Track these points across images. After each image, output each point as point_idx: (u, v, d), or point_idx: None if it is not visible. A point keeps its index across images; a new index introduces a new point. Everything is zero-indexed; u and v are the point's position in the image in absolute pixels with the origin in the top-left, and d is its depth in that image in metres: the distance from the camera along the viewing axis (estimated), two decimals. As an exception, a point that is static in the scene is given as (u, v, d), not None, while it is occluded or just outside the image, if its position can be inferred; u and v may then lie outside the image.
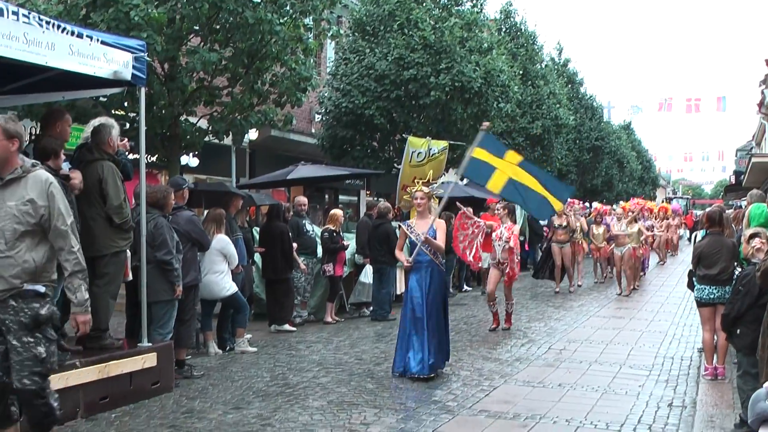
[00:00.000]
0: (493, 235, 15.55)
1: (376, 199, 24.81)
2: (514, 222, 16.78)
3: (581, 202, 28.71)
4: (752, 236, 8.52)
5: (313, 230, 16.85)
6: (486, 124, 12.53)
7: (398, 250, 12.10)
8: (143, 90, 10.48)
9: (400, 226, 12.88)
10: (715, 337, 10.98)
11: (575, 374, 11.60)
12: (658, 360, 12.79)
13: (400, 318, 11.91)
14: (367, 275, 17.60)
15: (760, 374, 7.51)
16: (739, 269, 9.73)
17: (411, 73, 23.13)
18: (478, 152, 11.63)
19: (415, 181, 12.04)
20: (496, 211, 16.38)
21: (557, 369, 12.01)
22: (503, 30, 35.38)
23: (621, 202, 31.06)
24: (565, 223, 23.20)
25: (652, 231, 28.11)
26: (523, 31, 36.36)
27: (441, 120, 24.12)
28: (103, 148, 9.99)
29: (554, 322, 16.97)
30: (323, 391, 10.32)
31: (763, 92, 40.77)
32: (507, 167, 11.65)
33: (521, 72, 31.76)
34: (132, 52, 9.78)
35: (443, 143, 21.50)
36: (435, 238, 11.40)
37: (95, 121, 10.40)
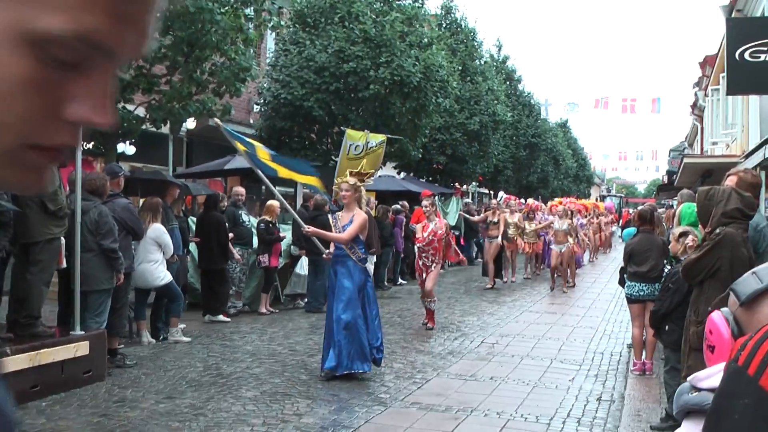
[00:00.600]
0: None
1: (312, 191, 24.76)
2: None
3: (517, 198, 28.84)
4: (682, 234, 8.69)
5: (249, 221, 16.82)
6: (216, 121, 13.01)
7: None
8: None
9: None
10: (644, 333, 11.17)
11: (507, 368, 11.73)
12: (588, 355, 12.99)
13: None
14: (303, 267, 17.62)
15: (682, 368, 7.69)
16: (669, 267, 9.91)
17: (351, 66, 23.14)
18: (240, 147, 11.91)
19: (348, 172, 12.18)
20: (424, 209, 16.33)
21: (489, 363, 12.14)
22: (443, 25, 35.43)
23: (556, 200, 31.30)
24: (497, 219, 23.28)
25: (584, 230, 28.41)
26: (463, 27, 36.44)
27: (379, 114, 24.15)
28: (38, 134, 9.89)
29: (487, 317, 17.12)
30: (256, 382, 10.34)
31: (696, 94, 41.43)
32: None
33: (460, 68, 31.87)
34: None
35: (381, 137, 21.53)
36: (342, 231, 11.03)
37: None
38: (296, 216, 12.40)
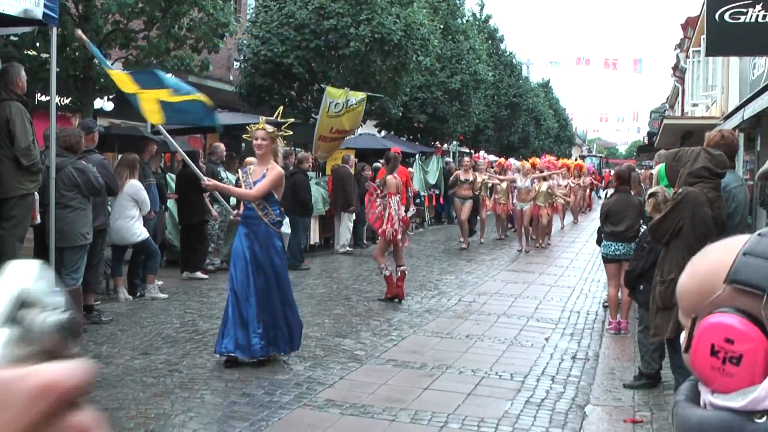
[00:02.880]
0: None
1: (292, 148, 24.65)
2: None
3: (485, 157, 28.75)
4: (652, 195, 8.69)
5: (227, 177, 16.75)
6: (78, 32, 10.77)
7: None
8: (55, 30, 10.26)
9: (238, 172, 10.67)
10: (620, 293, 11.22)
11: (483, 326, 11.78)
12: (564, 314, 13.05)
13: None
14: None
15: (650, 326, 7.76)
16: (645, 227, 9.94)
17: (331, 23, 22.97)
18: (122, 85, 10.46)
19: (262, 119, 9.91)
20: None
21: (466, 321, 12.19)
22: (425, -17, 35.28)
23: (531, 159, 31.20)
24: (471, 178, 23.08)
25: (568, 190, 28.20)
26: (445, -15, 36.30)
27: (360, 71, 24.03)
28: (11, 88, 9.80)
29: (465, 275, 17.17)
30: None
31: (678, 56, 41.38)
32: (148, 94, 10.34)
33: (442, 26, 31.77)
34: (43, -9, 9.59)
35: (361, 95, 21.52)
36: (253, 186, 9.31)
37: None
38: (194, 168, 10.54)
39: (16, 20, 9.57)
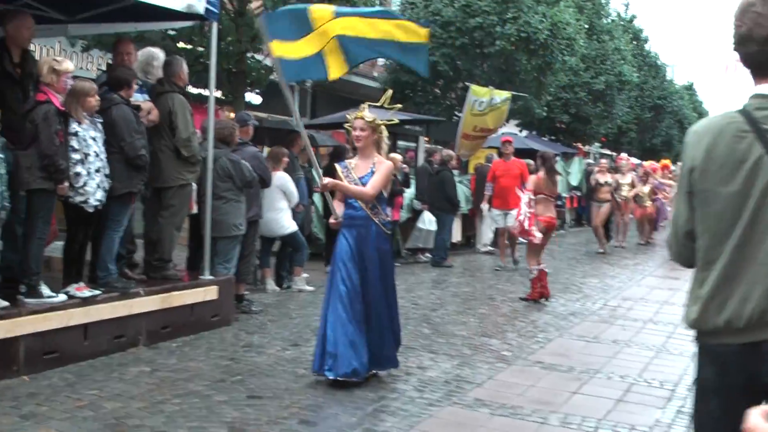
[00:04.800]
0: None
1: (435, 145, 24.69)
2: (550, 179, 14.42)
3: (628, 158, 27.99)
4: None
5: (372, 173, 16.87)
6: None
7: (336, 200, 8.55)
8: (215, 24, 10.49)
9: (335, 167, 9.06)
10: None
11: (630, 332, 11.56)
12: (714, 321, 12.69)
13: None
14: (425, 221, 17.63)
15: None
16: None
17: (477, 21, 22.91)
18: (277, 48, 8.68)
19: (366, 104, 8.48)
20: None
21: (612, 326, 11.98)
22: (570, -18, 34.93)
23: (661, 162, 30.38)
24: (610, 180, 22.51)
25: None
26: (590, -16, 35.88)
27: (505, 70, 23.94)
28: (173, 80, 10.09)
29: (609, 279, 16.92)
30: (380, 334, 10.39)
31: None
32: (318, 32, 8.69)
33: (587, 26, 31.38)
34: (206, -14, 9.81)
35: (506, 94, 21.44)
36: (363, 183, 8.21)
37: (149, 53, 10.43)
38: (316, 165, 9.86)
39: (177, 15, 9.80)
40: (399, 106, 8.75)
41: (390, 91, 8.83)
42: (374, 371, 8.30)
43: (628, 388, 8.58)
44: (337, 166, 8.66)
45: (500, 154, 19.01)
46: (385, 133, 8.37)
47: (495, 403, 7.67)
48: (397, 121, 8.67)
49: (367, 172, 8.15)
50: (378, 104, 8.36)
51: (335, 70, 8.73)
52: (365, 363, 7.98)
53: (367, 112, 8.23)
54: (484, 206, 18.60)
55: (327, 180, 8.24)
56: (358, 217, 8.16)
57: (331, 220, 8.42)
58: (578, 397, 8.18)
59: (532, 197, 13.39)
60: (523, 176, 17.32)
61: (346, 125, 8.59)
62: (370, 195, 8.06)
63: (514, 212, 16.02)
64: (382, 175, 8.11)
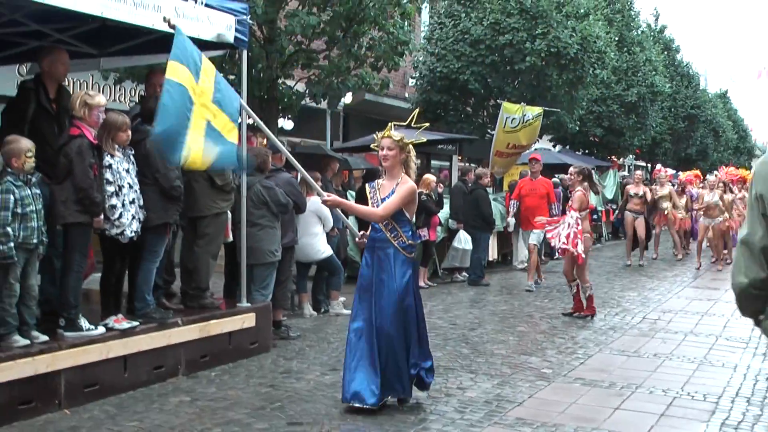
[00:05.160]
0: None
1: (468, 164, 24.67)
2: (593, 190, 14.75)
3: (666, 170, 27.73)
4: None
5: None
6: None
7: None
8: (245, 52, 10.56)
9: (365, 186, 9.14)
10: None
11: (670, 344, 11.48)
12: (755, 332, 12.51)
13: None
14: (460, 240, 17.60)
15: None
16: None
17: (506, 38, 22.93)
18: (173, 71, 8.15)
19: (392, 124, 8.18)
20: (569, 177, 14.80)
21: (652, 339, 11.90)
22: (599, -5, 34.90)
23: (715, 172, 30.19)
24: (641, 192, 22.22)
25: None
26: (619, -4, 35.86)
27: (536, 86, 23.91)
28: (205, 110, 10.13)
29: (648, 292, 16.81)
30: (418, 355, 10.36)
31: None
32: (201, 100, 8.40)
33: (617, 38, 31.28)
34: (235, 15, 9.91)
35: (538, 109, 21.42)
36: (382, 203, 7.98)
37: None
38: (314, 183, 9.45)
39: (208, 44, 9.87)
40: (426, 125, 8.60)
41: (417, 110, 8.65)
42: (388, 396, 8.01)
43: (671, 402, 8.51)
44: (367, 186, 8.53)
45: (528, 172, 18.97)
46: (413, 153, 8.14)
47: (536, 422, 7.63)
48: (424, 140, 8.51)
49: (390, 192, 7.92)
50: (404, 124, 8.22)
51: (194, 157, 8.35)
52: (373, 389, 7.71)
53: (394, 132, 8.01)
54: (511, 220, 19.01)
55: (330, 197, 8.20)
56: (378, 240, 7.95)
57: (356, 239, 8.39)
58: (620, 413, 8.13)
59: (579, 215, 13.32)
60: (549, 196, 17.83)
61: (373, 145, 8.45)
62: (379, 216, 7.83)
63: (538, 232, 16.67)
64: (398, 197, 7.81)
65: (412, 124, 8.20)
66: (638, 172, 24.96)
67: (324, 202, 8.35)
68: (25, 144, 7.65)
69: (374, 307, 7.84)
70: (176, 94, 8.08)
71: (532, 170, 18.26)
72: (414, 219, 8.15)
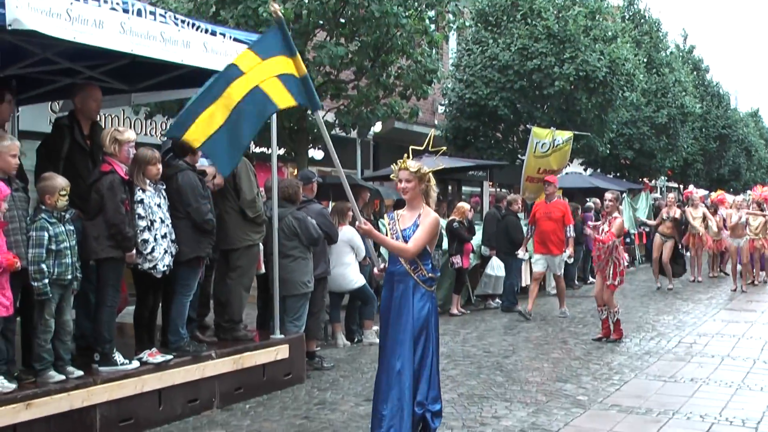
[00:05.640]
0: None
1: (499, 190, 24.64)
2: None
3: (697, 191, 27.47)
4: None
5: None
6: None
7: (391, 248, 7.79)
8: (274, 85, 10.60)
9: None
10: None
11: (707, 369, 11.36)
12: (793, 354, 12.45)
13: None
14: (493, 267, 17.57)
15: None
16: None
17: (535, 63, 22.94)
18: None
19: (410, 150, 8.02)
20: (606, 205, 13.92)
21: (688, 363, 11.78)
22: (627, 17, 34.86)
23: (749, 192, 29.91)
24: (673, 215, 21.93)
25: None
26: (647, 18, 35.81)
27: (565, 110, 23.89)
28: (236, 144, 10.19)
29: (683, 315, 16.66)
30: (453, 384, 10.34)
31: None
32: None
33: (646, 60, 31.19)
34: (263, 49, 9.94)
35: (568, 133, 21.38)
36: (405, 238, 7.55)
37: None
38: (355, 207, 8.36)
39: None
40: (443, 149, 8.40)
41: (432, 131, 8.28)
42: None
43: (709, 429, 8.45)
44: (386, 216, 8.13)
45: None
46: (433, 182, 7.77)
47: (573, 451, 7.59)
48: (442, 166, 8.13)
49: (411, 224, 7.53)
50: (421, 148, 8.04)
51: (282, 100, 7.72)
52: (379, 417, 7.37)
53: (410, 162, 7.64)
54: (520, 251, 17.48)
55: (366, 225, 7.61)
56: (397, 273, 7.56)
57: (375, 271, 8.03)
58: (658, 440, 8.07)
59: (618, 243, 13.36)
60: (565, 218, 16.65)
61: (392, 176, 8.07)
62: (411, 253, 7.40)
63: (556, 258, 16.50)
64: (425, 231, 7.43)
65: (429, 148, 8.04)
66: (671, 195, 24.71)
67: (358, 227, 7.72)
68: (60, 182, 7.74)
69: (388, 340, 7.50)
70: (219, 74, 7.48)
71: (548, 192, 17.20)
72: (447, 247, 7.97)
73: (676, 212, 22.05)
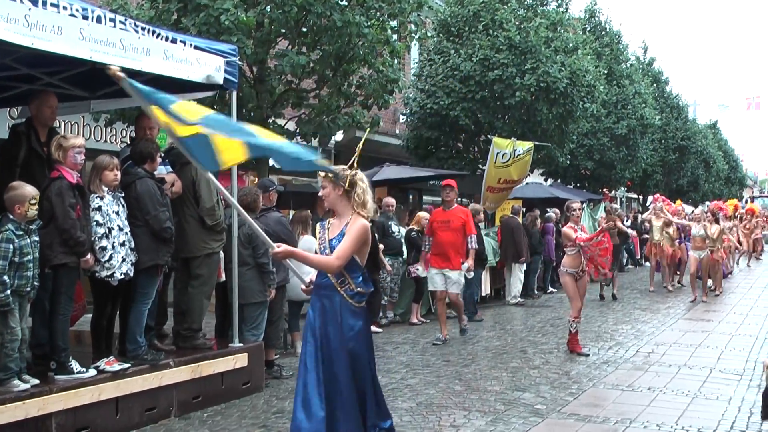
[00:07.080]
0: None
1: (461, 200, 24.65)
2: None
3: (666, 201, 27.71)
4: None
5: (399, 231, 16.89)
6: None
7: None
8: (235, 93, 10.61)
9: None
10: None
11: (664, 378, 11.45)
12: (749, 364, 12.56)
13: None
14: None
15: None
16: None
17: (496, 73, 23.00)
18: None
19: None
20: (572, 212, 13.51)
21: (646, 372, 11.87)
22: (588, 29, 35.15)
23: (707, 203, 30.22)
24: (701, 232, 21.64)
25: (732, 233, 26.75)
26: (608, 30, 36.10)
27: (526, 121, 23.99)
28: (195, 150, 10.16)
29: (641, 325, 16.78)
30: (412, 393, 10.36)
31: None
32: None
33: (606, 72, 31.43)
34: (224, 56, 9.97)
35: (528, 144, 21.50)
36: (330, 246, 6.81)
37: None
38: (260, 231, 7.33)
39: (198, 86, 9.93)
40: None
41: (359, 149, 7.41)
42: None
43: (665, 437, 8.52)
44: (318, 225, 7.30)
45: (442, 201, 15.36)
46: (362, 186, 6.90)
47: (530, 459, 7.63)
48: (357, 153, 7.04)
49: (338, 233, 6.76)
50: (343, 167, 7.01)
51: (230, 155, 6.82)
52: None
53: (335, 167, 6.96)
54: (419, 267, 16.03)
55: (282, 248, 6.68)
56: (323, 286, 6.79)
57: (301, 287, 7.32)
58: (614, 448, 8.13)
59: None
60: (466, 227, 14.53)
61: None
62: (336, 266, 6.61)
63: (454, 273, 14.50)
64: (351, 240, 6.63)
65: (355, 164, 6.99)
66: (697, 210, 24.63)
67: (273, 254, 6.78)
68: (30, 191, 7.67)
69: (320, 363, 6.65)
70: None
71: (446, 199, 14.84)
72: (367, 261, 7.16)
73: (708, 227, 21.74)
